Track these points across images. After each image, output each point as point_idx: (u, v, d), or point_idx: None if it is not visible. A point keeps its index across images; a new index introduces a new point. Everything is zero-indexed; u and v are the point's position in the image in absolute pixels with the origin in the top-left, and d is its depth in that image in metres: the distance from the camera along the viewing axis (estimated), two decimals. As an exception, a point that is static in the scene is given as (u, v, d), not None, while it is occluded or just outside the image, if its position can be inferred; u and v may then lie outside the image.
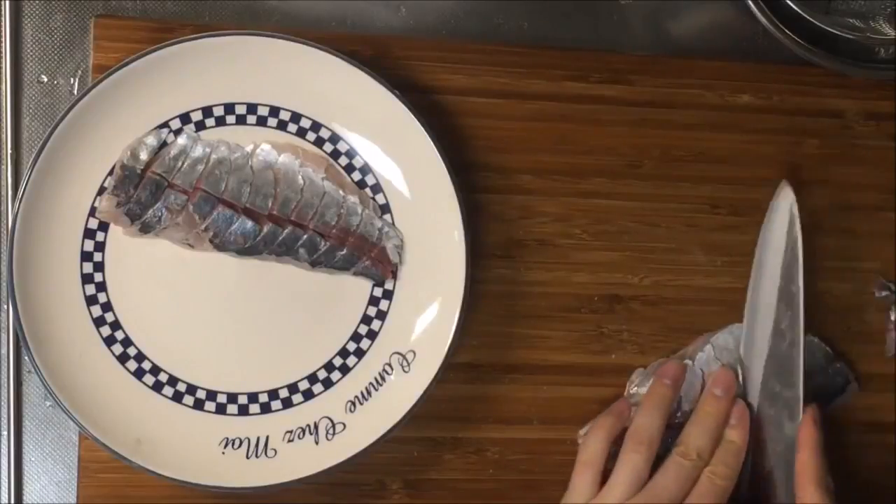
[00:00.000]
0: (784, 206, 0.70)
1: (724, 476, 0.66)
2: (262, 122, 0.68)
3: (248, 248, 0.67)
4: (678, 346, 0.74)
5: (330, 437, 0.68)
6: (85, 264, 0.66)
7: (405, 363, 0.69)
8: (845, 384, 0.74)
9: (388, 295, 0.69)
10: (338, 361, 0.69)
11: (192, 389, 0.67)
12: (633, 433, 0.67)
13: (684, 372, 0.69)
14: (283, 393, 0.68)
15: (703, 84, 0.74)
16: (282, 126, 0.68)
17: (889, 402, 0.76)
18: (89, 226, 0.66)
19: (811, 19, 0.70)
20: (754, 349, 0.70)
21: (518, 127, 0.72)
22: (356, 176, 0.69)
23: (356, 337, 0.69)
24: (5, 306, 0.67)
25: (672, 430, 0.71)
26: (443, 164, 0.67)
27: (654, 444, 0.66)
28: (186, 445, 0.66)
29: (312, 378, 0.69)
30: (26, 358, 0.67)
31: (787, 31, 0.71)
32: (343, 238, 0.68)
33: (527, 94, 0.72)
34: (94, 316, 0.66)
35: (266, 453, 0.67)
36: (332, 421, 0.68)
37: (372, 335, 0.69)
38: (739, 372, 0.72)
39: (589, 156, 0.73)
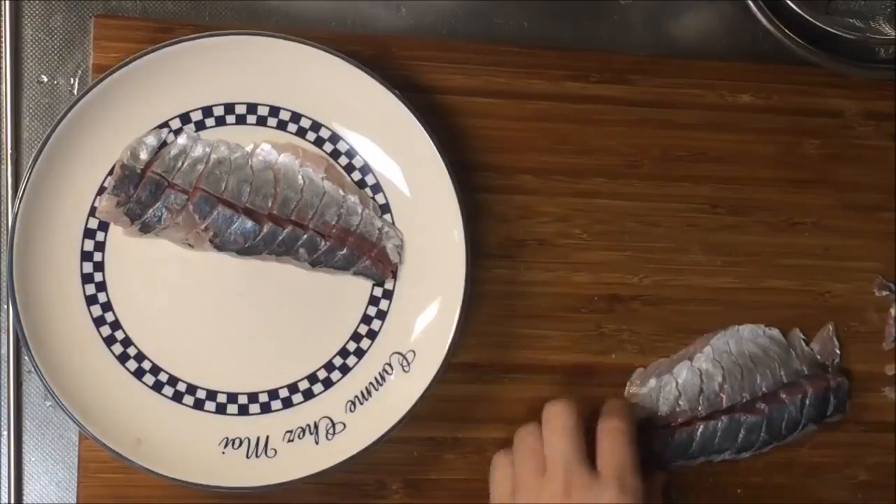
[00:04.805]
0: None
1: None
2: (262, 122, 0.68)
3: (248, 248, 0.67)
4: (678, 346, 0.74)
5: (330, 437, 0.68)
6: (85, 264, 0.66)
7: (405, 363, 0.69)
8: (845, 401, 0.74)
9: (388, 295, 0.69)
10: (338, 361, 0.69)
11: (192, 389, 0.67)
12: None
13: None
14: (283, 393, 0.68)
15: (703, 84, 0.74)
16: (282, 126, 0.68)
17: (888, 402, 0.76)
18: (89, 226, 0.66)
19: (811, 19, 0.70)
20: None
21: (518, 127, 0.72)
22: (356, 176, 0.69)
23: (356, 337, 0.69)
24: (5, 306, 0.67)
25: (670, 430, 0.71)
26: (443, 164, 0.67)
27: None
28: (186, 445, 0.66)
29: (312, 378, 0.69)
30: (26, 358, 0.67)
31: (787, 31, 0.71)
32: (343, 238, 0.68)
33: (527, 94, 0.72)
34: (94, 316, 0.66)
35: (266, 453, 0.67)
36: (332, 421, 0.68)
37: (372, 335, 0.69)
38: (741, 372, 0.72)
39: (589, 156, 0.73)
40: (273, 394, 0.68)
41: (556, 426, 0.66)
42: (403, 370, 0.69)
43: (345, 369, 0.69)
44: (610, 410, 0.68)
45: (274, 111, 0.68)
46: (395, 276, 0.69)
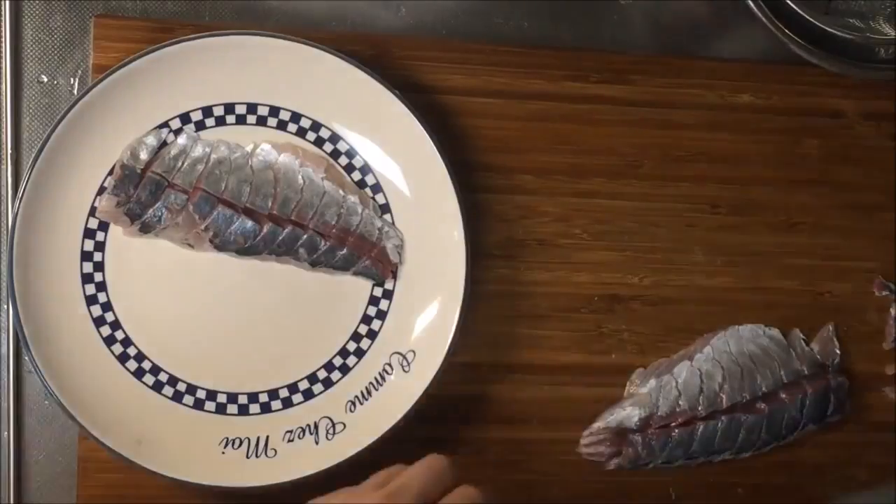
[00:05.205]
0: None
1: None
2: (262, 122, 0.68)
3: (248, 248, 0.67)
4: (678, 346, 0.74)
5: (330, 437, 0.68)
6: (85, 264, 0.66)
7: (405, 363, 0.69)
8: (845, 401, 0.74)
9: (388, 295, 0.69)
10: (338, 361, 0.69)
11: (192, 389, 0.67)
12: None
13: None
14: (283, 393, 0.68)
15: (703, 84, 0.74)
16: (282, 126, 0.68)
17: (888, 402, 0.76)
18: (89, 226, 0.66)
19: (811, 19, 0.70)
20: None
21: (518, 127, 0.72)
22: (356, 176, 0.69)
23: (356, 337, 0.69)
24: (5, 306, 0.67)
25: (670, 430, 0.71)
26: (443, 164, 0.67)
27: None
28: (186, 445, 0.66)
29: (312, 378, 0.69)
30: (26, 358, 0.67)
31: (787, 31, 0.71)
32: (343, 238, 0.68)
33: (527, 94, 0.72)
34: (94, 316, 0.66)
35: (266, 453, 0.67)
36: (332, 421, 0.68)
37: (372, 335, 0.69)
38: (741, 372, 0.72)
39: (589, 156, 0.73)
40: (273, 394, 0.68)
41: (426, 461, 0.60)
42: (403, 370, 0.69)
43: (345, 369, 0.69)
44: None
45: (274, 111, 0.68)
46: (395, 276, 0.69)
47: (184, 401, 0.67)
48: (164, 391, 0.67)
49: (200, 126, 0.67)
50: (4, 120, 0.68)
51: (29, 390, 0.69)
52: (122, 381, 0.67)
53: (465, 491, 0.60)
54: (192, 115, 0.67)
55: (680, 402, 0.71)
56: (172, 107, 0.67)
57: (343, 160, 0.69)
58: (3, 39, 0.68)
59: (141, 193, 0.66)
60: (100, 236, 0.67)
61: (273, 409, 0.68)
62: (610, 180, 0.73)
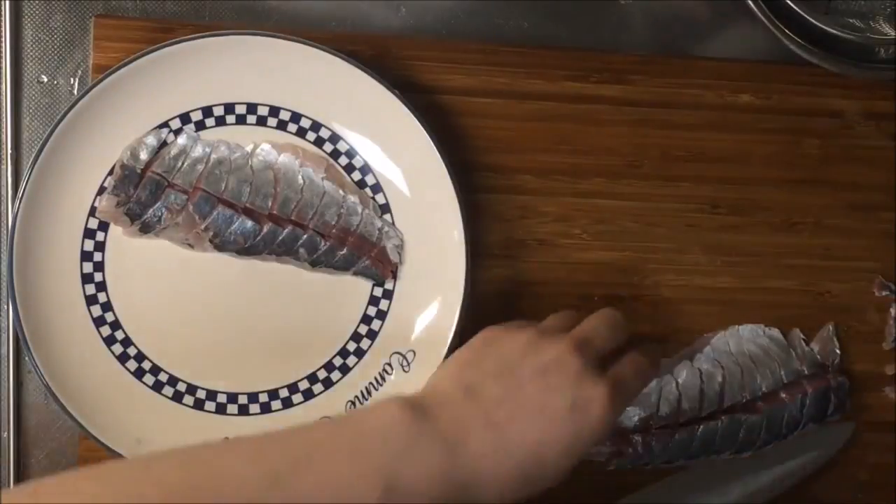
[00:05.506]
0: None
1: None
2: (262, 122, 0.68)
3: (248, 248, 0.67)
4: (678, 346, 0.74)
5: (330, 437, 0.68)
6: (85, 264, 0.66)
7: (405, 363, 0.69)
8: (845, 401, 0.74)
9: (388, 295, 0.69)
10: (338, 361, 0.69)
11: (192, 389, 0.67)
12: None
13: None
14: (283, 393, 0.68)
15: (703, 84, 0.74)
16: (282, 126, 0.68)
17: (888, 402, 0.76)
18: (89, 226, 0.66)
19: (811, 19, 0.70)
20: None
21: (518, 127, 0.72)
22: (356, 176, 0.69)
23: (356, 337, 0.69)
24: (5, 306, 0.67)
25: (670, 430, 0.71)
26: (443, 164, 0.67)
27: None
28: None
29: (312, 378, 0.69)
30: (26, 358, 0.67)
31: (787, 31, 0.71)
32: (343, 238, 0.68)
33: (527, 94, 0.72)
34: (94, 316, 0.66)
35: (266, 453, 0.67)
36: (332, 421, 0.68)
37: (372, 335, 0.69)
38: (741, 372, 0.72)
39: (589, 156, 0.73)
40: (273, 394, 0.68)
41: (604, 314, 0.61)
42: (403, 370, 0.69)
43: (345, 369, 0.69)
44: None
45: (274, 111, 0.68)
46: (395, 276, 0.69)
47: (184, 401, 0.67)
48: (164, 391, 0.67)
49: (200, 126, 0.67)
50: (4, 120, 0.68)
51: (29, 390, 0.69)
52: (122, 381, 0.67)
53: (638, 359, 0.61)
54: (192, 115, 0.67)
55: (680, 403, 0.71)
56: (172, 107, 0.67)
57: (343, 160, 0.69)
58: (3, 39, 0.68)
59: (141, 193, 0.66)
60: (100, 236, 0.67)
61: (273, 409, 0.68)
62: (610, 180, 0.73)
